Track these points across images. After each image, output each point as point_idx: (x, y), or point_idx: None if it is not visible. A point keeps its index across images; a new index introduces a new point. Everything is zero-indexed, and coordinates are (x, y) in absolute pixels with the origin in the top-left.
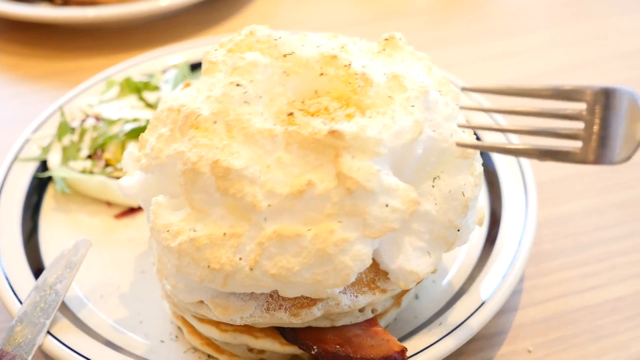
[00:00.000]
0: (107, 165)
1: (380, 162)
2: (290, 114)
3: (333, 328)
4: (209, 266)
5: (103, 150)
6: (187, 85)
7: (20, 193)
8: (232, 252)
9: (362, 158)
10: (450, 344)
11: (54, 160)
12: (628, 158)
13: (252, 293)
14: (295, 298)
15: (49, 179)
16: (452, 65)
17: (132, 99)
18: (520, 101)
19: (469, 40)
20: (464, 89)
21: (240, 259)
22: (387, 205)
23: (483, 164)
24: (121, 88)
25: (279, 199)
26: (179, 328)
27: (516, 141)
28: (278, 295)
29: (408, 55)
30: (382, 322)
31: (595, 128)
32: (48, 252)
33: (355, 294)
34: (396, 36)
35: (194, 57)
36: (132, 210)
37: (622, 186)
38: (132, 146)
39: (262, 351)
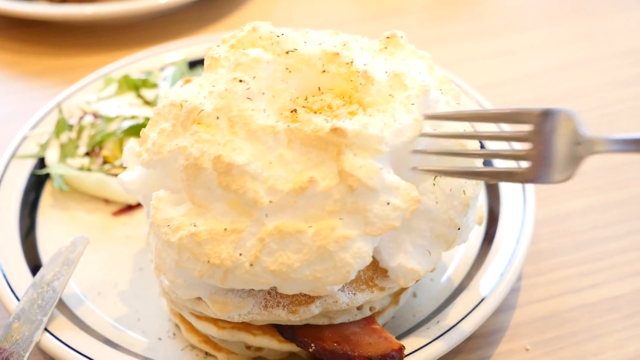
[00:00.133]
0: (104, 162)
1: (381, 160)
2: (294, 110)
3: (331, 326)
4: (209, 261)
5: (101, 148)
6: (188, 81)
7: (18, 190)
8: (232, 247)
9: (364, 156)
10: (448, 342)
11: (52, 157)
12: (570, 177)
13: (250, 290)
14: (293, 295)
15: (47, 176)
16: (450, 64)
17: (130, 96)
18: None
19: (467, 38)
20: (426, 117)
21: (240, 254)
22: (388, 204)
23: (482, 163)
24: (119, 85)
25: (281, 195)
26: (177, 325)
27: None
28: (276, 293)
29: (409, 54)
30: (380, 320)
31: (540, 149)
32: (45, 249)
33: (354, 292)
34: (398, 34)
35: (192, 55)
36: (129, 208)
37: (621, 185)
38: (132, 141)
39: (259, 349)
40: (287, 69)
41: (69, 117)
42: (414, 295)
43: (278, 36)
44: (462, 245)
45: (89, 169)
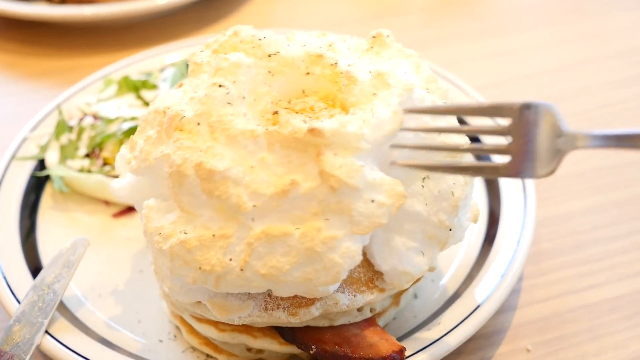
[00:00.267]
0: (105, 164)
1: (363, 157)
2: (275, 112)
3: (331, 327)
4: (200, 268)
5: (101, 149)
6: (181, 85)
7: (18, 192)
8: (222, 253)
9: (345, 155)
10: (449, 343)
11: (52, 158)
12: (552, 171)
13: (250, 293)
14: (294, 297)
15: (47, 177)
16: (450, 63)
17: (130, 97)
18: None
19: (467, 38)
20: (406, 111)
21: (230, 259)
22: (373, 201)
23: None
24: (119, 86)
25: (264, 199)
26: (177, 327)
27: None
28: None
29: (395, 53)
30: (381, 322)
31: (521, 143)
32: (46, 251)
33: (354, 294)
34: (384, 33)
35: None
36: (130, 209)
37: (621, 185)
38: (123, 148)
39: (260, 351)
40: (269, 72)
41: (69, 118)
42: (415, 296)
43: (260, 39)
44: (463, 246)
45: (89, 171)
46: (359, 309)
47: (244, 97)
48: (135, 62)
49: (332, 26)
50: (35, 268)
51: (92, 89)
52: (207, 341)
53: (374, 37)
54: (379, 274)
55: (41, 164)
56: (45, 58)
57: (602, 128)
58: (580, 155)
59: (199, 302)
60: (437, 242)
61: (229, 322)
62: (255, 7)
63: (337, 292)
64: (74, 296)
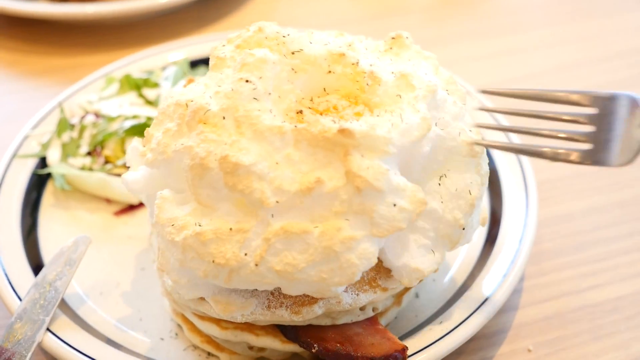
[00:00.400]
0: (106, 162)
1: (389, 161)
2: (300, 111)
3: (334, 326)
4: (213, 261)
5: (102, 147)
6: (191, 81)
7: (20, 190)
8: (237, 247)
9: (372, 157)
10: (450, 343)
11: (54, 156)
12: (631, 161)
13: (253, 291)
14: (296, 296)
15: (48, 175)
16: (452, 63)
17: (132, 95)
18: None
19: (468, 38)
20: (482, 92)
21: (245, 254)
22: (394, 205)
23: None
24: (121, 85)
25: (288, 195)
26: (179, 325)
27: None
28: (279, 293)
29: (415, 55)
30: (383, 321)
31: (604, 131)
32: (47, 249)
33: (356, 293)
34: (403, 35)
35: (193, 54)
36: (131, 208)
37: (623, 185)
38: (136, 141)
39: (262, 349)
40: (292, 69)
41: (71, 116)
42: (417, 296)
43: (284, 36)
44: (465, 246)
45: (90, 169)
46: (362, 308)
47: (269, 94)
48: (137, 61)
49: (332, 26)
50: (36, 266)
51: (94, 87)
52: (209, 339)
53: (393, 38)
54: (382, 273)
55: (43, 162)
56: (47, 56)
57: None
58: None
59: (202, 299)
60: (448, 241)
61: (232, 320)
62: (256, 6)
63: (340, 291)
64: (75, 294)
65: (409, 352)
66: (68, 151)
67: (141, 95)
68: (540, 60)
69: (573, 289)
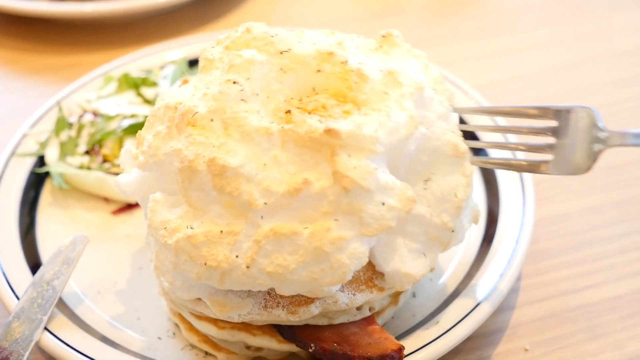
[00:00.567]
0: (104, 161)
1: (376, 160)
2: (288, 111)
3: (331, 326)
4: (205, 263)
5: (101, 146)
6: (185, 82)
7: (18, 188)
8: (228, 249)
9: (359, 156)
10: (447, 342)
11: (52, 155)
12: (589, 169)
13: (249, 290)
14: (293, 296)
15: (47, 174)
16: (450, 63)
17: (130, 94)
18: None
19: (467, 37)
20: (455, 110)
21: (236, 256)
22: (383, 204)
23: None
24: (119, 84)
25: (276, 197)
26: (176, 325)
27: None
28: (276, 293)
29: (405, 53)
30: (380, 320)
31: (564, 143)
32: (45, 248)
33: (353, 292)
34: (393, 33)
35: (192, 53)
36: (129, 207)
37: (620, 185)
38: (129, 143)
39: (259, 349)
40: (281, 69)
41: (69, 115)
42: (414, 295)
43: (272, 36)
44: (462, 246)
45: (88, 168)
46: (358, 308)
47: (257, 94)
48: (136, 60)
49: (331, 25)
50: (34, 265)
51: (92, 86)
52: (206, 338)
53: (383, 36)
54: (378, 273)
55: (41, 161)
56: (45, 55)
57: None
58: None
59: (199, 299)
60: (439, 244)
61: (228, 320)
62: (255, 5)
63: (336, 291)
64: (73, 293)
65: (405, 352)
66: (66, 150)
67: (139, 94)
68: (540, 59)
69: (570, 288)
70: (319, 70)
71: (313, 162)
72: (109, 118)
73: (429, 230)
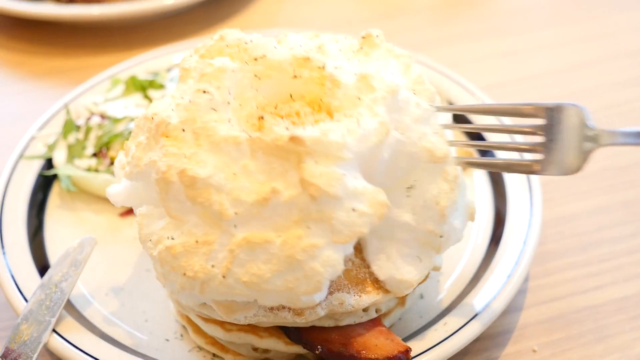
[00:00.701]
0: (112, 163)
1: (345, 166)
2: (261, 117)
3: (337, 328)
4: (185, 274)
5: (108, 149)
6: None
7: (26, 191)
8: (204, 259)
9: (326, 163)
10: (455, 344)
11: (59, 158)
12: (580, 168)
13: None
14: None
15: (54, 176)
16: (455, 64)
17: (138, 97)
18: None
19: (472, 38)
20: (437, 109)
21: (212, 266)
22: (354, 210)
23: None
24: (126, 86)
25: (246, 206)
26: (184, 327)
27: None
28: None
29: (385, 53)
30: (387, 322)
31: (553, 141)
32: (53, 250)
33: (359, 294)
34: (373, 33)
35: None
36: None
37: (627, 185)
38: (121, 153)
39: (266, 350)
40: (255, 75)
41: (77, 117)
42: (421, 296)
43: (246, 43)
44: (469, 247)
45: (96, 170)
46: (365, 310)
47: (228, 103)
48: (143, 62)
49: (337, 26)
50: (42, 267)
51: (100, 89)
52: (214, 341)
53: (363, 37)
54: None
55: (49, 163)
56: (52, 57)
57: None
58: None
59: (204, 302)
60: (430, 248)
61: (235, 322)
62: (261, 7)
63: (342, 292)
64: (81, 295)
65: (413, 354)
66: (74, 152)
67: (147, 97)
68: (545, 60)
69: (578, 289)
70: (295, 76)
71: (282, 171)
72: (116, 120)
73: (418, 236)
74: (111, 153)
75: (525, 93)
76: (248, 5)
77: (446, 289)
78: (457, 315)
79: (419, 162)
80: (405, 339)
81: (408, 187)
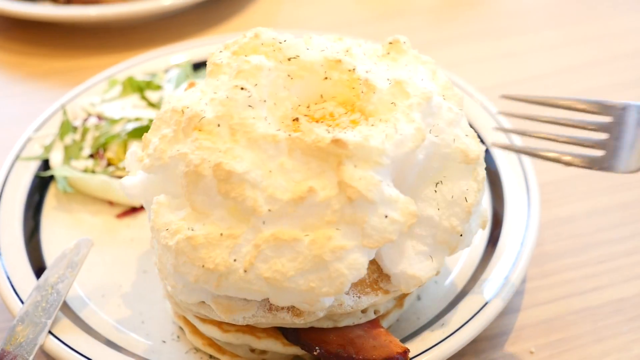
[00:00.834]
0: (109, 164)
1: (382, 172)
2: (295, 119)
3: (335, 329)
4: (203, 266)
5: (105, 150)
6: (192, 84)
7: (22, 192)
8: (227, 252)
9: (365, 167)
10: (452, 345)
11: (56, 159)
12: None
13: None
14: None
15: (51, 178)
16: (455, 65)
17: (135, 98)
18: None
19: (471, 39)
20: (503, 96)
21: (235, 260)
22: (386, 217)
23: (486, 165)
24: (123, 87)
25: (280, 204)
26: (181, 328)
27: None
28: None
29: (412, 59)
30: (385, 323)
31: (618, 139)
32: (50, 251)
33: (358, 295)
34: (400, 40)
35: (196, 57)
36: (133, 210)
37: (625, 187)
38: (135, 146)
39: (264, 352)
40: (289, 76)
41: (73, 118)
42: (419, 298)
43: (280, 42)
44: (467, 248)
45: (93, 171)
46: (363, 311)
47: (264, 101)
48: (140, 63)
49: (336, 27)
50: (38, 268)
51: (97, 90)
52: (211, 342)
53: (390, 43)
54: (383, 276)
55: (45, 164)
56: (49, 58)
57: None
58: None
59: (203, 302)
60: (447, 247)
61: (233, 322)
62: (259, 9)
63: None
64: (77, 297)
65: (410, 355)
66: (71, 154)
67: (144, 98)
68: (545, 62)
69: (575, 290)
70: (326, 78)
71: (319, 171)
72: (113, 121)
73: (437, 233)
74: (108, 154)
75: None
76: (246, 6)
77: (444, 290)
78: (454, 317)
79: (452, 162)
80: (403, 340)
81: (436, 183)
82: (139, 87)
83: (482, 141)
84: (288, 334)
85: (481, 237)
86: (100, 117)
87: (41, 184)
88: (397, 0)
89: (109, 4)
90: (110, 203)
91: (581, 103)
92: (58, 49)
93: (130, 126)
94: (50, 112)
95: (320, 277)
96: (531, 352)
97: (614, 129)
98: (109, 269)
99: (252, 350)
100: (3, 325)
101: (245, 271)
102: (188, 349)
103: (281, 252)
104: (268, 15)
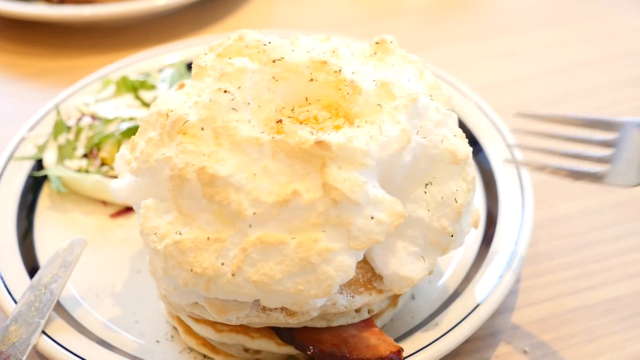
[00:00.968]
0: (103, 164)
1: (366, 173)
2: (279, 121)
3: (329, 328)
4: (192, 270)
5: (99, 149)
6: (182, 86)
7: (16, 192)
8: (214, 256)
9: (349, 169)
10: (446, 345)
11: (50, 159)
12: None
13: None
14: None
15: (45, 177)
16: (449, 65)
17: (129, 97)
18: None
19: (466, 39)
20: (518, 114)
21: (222, 264)
22: (372, 218)
23: (480, 165)
24: (117, 87)
25: (265, 207)
26: (175, 328)
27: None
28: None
29: (399, 59)
30: (379, 323)
31: (623, 154)
32: (43, 251)
33: (352, 295)
34: (387, 39)
35: (190, 56)
36: (127, 210)
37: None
38: (123, 148)
39: (258, 351)
40: (273, 77)
41: (67, 118)
42: (413, 297)
43: (265, 44)
44: (461, 248)
45: (86, 171)
46: (357, 310)
47: (248, 103)
48: (134, 63)
49: (331, 27)
50: (32, 268)
51: (91, 89)
52: (205, 342)
53: (377, 43)
54: (377, 276)
55: (39, 164)
56: (43, 58)
57: None
58: None
59: (196, 302)
60: (438, 248)
61: (227, 322)
62: (253, 8)
63: (335, 292)
64: (70, 296)
65: (404, 354)
66: (64, 153)
67: (138, 98)
68: (539, 61)
69: (569, 290)
70: (312, 79)
71: (303, 173)
72: (107, 121)
73: (428, 234)
74: (102, 154)
75: (518, 94)
76: (240, 6)
77: (438, 290)
78: (448, 316)
79: (440, 163)
80: (397, 340)
81: (426, 184)
82: (132, 87)
83: (476, 141)
84: (282, 333)
85: (475, 236)
86: (94, 117)
87: (35, 184)
88: (391, 0)
89: (103, 3)
90: (104, 203)
91: (589, 121)
92: (51, 49)
93: (124, 126)
94: (44, 112)
95: (308, 280)
96: (525, 352)
97: (620, 144)
98: (103, 269)
99: (246, 350)
100: None
101: (233, 275)
102: (182, 348)
103: (268, 255)
104: (262, 15)
